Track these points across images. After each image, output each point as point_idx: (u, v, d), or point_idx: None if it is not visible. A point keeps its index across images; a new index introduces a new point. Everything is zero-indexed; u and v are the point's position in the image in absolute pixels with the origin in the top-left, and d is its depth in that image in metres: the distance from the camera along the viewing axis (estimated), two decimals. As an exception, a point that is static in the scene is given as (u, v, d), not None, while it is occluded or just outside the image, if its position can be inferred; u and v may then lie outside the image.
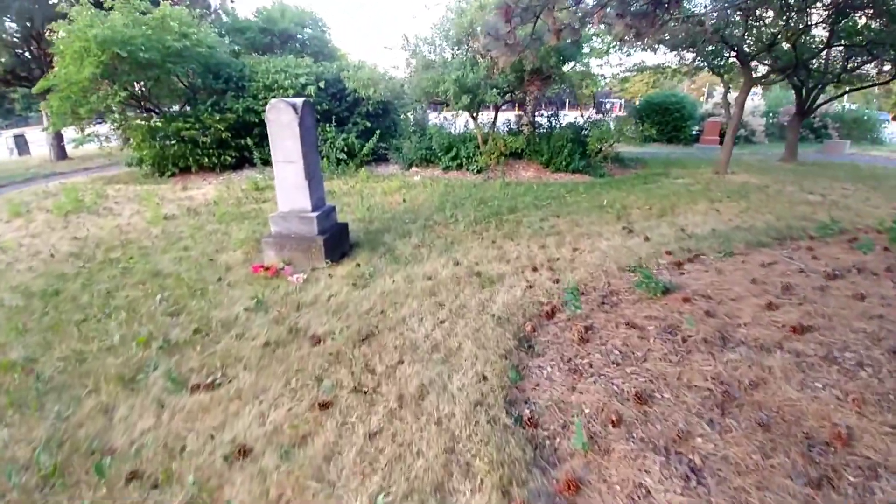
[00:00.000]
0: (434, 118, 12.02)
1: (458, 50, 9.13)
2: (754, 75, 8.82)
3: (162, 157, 9.24)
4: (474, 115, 9.47)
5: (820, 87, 10.44)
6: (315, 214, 4.29)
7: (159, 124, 9.18)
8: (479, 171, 9.01)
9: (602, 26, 5.67)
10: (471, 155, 9.29)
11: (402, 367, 2.56)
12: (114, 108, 8.78)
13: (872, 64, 8.60)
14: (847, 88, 10.40)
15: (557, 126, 10.26)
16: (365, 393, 2.30)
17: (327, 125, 9.58)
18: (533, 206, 6.36)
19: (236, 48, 13.63)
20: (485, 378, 2.45)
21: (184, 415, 2.24)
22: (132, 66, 8.40)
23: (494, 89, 8.34)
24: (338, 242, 4.53)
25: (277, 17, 15.09)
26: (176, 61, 8.73)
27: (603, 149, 9.26)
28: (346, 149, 9.58)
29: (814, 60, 8.92)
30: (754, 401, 2.11)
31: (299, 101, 4.14)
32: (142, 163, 9.58)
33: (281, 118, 4.12)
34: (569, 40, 5.15)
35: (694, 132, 17.36)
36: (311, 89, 9.20)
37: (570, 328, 2.96)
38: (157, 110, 10.03)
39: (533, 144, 9.48)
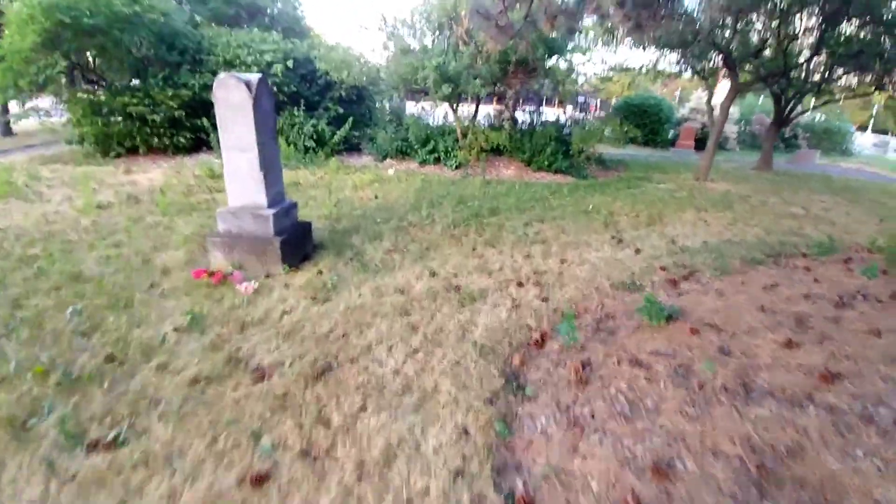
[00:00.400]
0: (412, 108, 11.40)
1: (439, 35, 8.55)
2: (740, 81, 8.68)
3: (105, 136, 8.27)
4: (454, 106, 8.95)
5: (798, 96, 10.48)
6: (272, 212, 3.69)
7: (103, 98, 8.19)
8: (457, 167, 8.52)
9: (594, 18, 5.24)
10: (449, 149, 8.78)
11: (365, 416, 2.06)
12: (54, 80, 7.82)
13: (852, 74, 8.62)
14: (826, 98, 10.46)
15: (539, 123, 9.87)
16: (315, 459, 1.79)
17: (295, 109, 8.83)
18: (516, 209, 5.93)
19: (198, 18, 12.54)
20: (467, 433, 1.99)
21: (74, 487, 1.68)
22: (76, 34, 7.46)
23: (477, 79, 7.84)
24: (298, 244, 3.95)
25: (245, -13, 13.99)
26: (123, 28, 7.78)
27: (586, 149, 8.94)
28: (315, 136, 8.87)
29: (795, 70, 8.85)
30: (794, 475, 1.74)
31: (254, 77, 3.52)
32: (83, 141, 8.58)
33: (231, 97, 3.48)
34: (564, 28, 4.69)
35: (670, 136, 17.44)
36: (277, 68, 8.42)
37: (565, 363, 2.54)
38: (102, 83, 8.99)
39: (514, 141, 9.05)
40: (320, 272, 3.69)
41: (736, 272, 4.07)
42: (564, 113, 10.65)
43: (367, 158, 9.30)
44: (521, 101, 12.12)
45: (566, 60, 9.86)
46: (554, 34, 7.41)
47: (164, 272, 3.63)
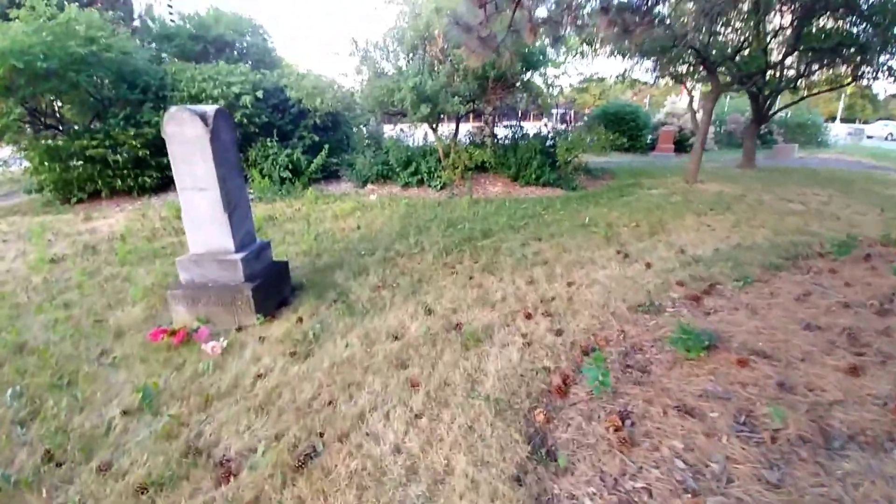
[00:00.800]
0: (389, 131, 11.10)
1: (413, 56, 8.31)
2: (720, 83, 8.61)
3: (65, 182, 7.72)
4: (434, 126, 8.66)
5: (775, 93, 10.51)
6: (240, 256, 3.24)
7: (61, 143, 7.68)
8: (442, 188, 8.17)
9: (575, 26, 4.99)
10: (432, 170, 8.44)
11: (362, 522, 1.60)
12: (10, 127, 7.34)
13: (827, 67, 8.62)
14: (804, 94, 10.51)
15: (521, 137, 9.64)
16: None
17: (268, 140, 8.42)
18: (509, 228, 5.57)
19: (163, 56, 12.18)
20: (495, 534, 1.54)
21: None
22: (31, 79, 7.01)
23: (456, 97, 7.57)
24: (273, 289, 3.49)
25: (211, 23, 13.65)
26: (80, 69, 7.34)
27: (572, 160, 8.71)
28: (290, 166, 8.45)
29: (774, 68, 8.83)
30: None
31: (210, 109, 3.12)
32: (42, 189, 8.02)
33: (185, 132, 3.06)
34: (548, 37, 4.42)
35: (649, 141, 17.51)
36: (246, 99, 8.04)
37: (599, 415, 2.12)
38: (59, 127, 8.48)
39: (498, 157, 8.78)
40: (300, 320, 3.22)
41: (759, 281, 3.73)
42: (546, 126, 10.46)
43: (346, 185, 8.90)
44: (498, 117, 11.98)
45: (541, 74, 9.74)
46: (532, 47, 7.22)
47: (117, 335, 3.13)
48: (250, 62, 13.49)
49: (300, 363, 2.65)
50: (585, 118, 18.51)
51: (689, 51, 7.66)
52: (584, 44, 8.36)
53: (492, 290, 3.73)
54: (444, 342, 2.86)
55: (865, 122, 27.82)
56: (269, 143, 8.38)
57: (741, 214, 6.10)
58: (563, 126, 10.64)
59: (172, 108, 3.07)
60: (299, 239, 5.18)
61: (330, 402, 2.26)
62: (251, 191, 7.74)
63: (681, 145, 16.67)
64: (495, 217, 6.13)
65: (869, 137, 23.47)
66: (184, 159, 3.13)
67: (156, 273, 4.28)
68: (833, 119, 26.50)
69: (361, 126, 10.29)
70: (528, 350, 2.77)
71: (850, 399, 2.00)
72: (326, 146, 8.79)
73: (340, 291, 3.72)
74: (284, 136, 8.80)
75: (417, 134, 10.22)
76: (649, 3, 4.37)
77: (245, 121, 8.18)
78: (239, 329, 3.11)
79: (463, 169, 8.24)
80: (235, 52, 14.51)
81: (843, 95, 25.62)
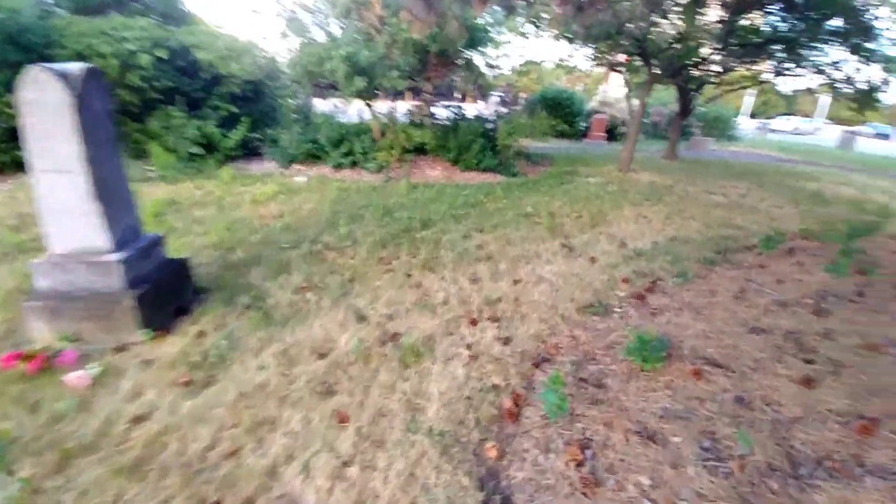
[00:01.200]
0: (324, 106, 10.19)
1: (346, 21, 7.55)
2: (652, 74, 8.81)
3: None
4: (369, 102, 8.01)
5: (700, 87, 11.04)
6: (118, 256, 2.58)
7: None
8: (378, 170, 7.62)
9: (526, 2, 4.66)
10: (367, 150, 7.84)
11: None
12: None
13: (752, 63, 9.11)
14: (726, 89, 11.14)
15: (461, 118, 9.27)
16: None
17: (172, 108, 7.28)
18: (451, 217, 5.23)
19: (59, 10, 10.15)
20: None
21: None
22: None
23: (395, 71, 6.99)
24: (167, 295, 2.86)
25: (104, -33, 11.60)
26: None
27: (514, 145, 8.53)
28: (203, 140, 7.40)
29: (704, 62, 9.19)
30: None
31: (77, 67, 2.40)
32: None
33: (45, 99, 2.32)
34: (500, 6, 4.05)
35: (582, 127, 17.97)
36: (144, 59, 6.83)
37: (556, 444, 1.87)
38: None
39: (438, 139, 8.36)
40: (201, 334, 2.66)
41: (697, 276, 3.75)
42: (486, 108, 10.18)
43: (270, 165, 8.01)
44: (438, 99, 11.51)
45: (483, 54, 9.38)
46: (477, 22, 6.81)
47: (-56, 363, 2.37)
48: (155, 18, 11.69)
49: (196, 396, 2.13)
50: (524, 102, 18.56)
51: (631, 40, 7.69)
52: (530, 22, 8.09)
53: (432, 290, 3.38)
54: (380, 359, 2.47)
55: (769, 118, 30.88)
56: (174, 113, 7.25)
57: (672, 206, 6.27)
58: (504, 110, 10.40)
59: (30, 69, 2.31)
60: (209, 228, 4.45)
61: (232, 453, 1.79)
62: (151, 168, 6.67)
63: (612, 133, 17.30)
64: (435, 204, 5.76)
65: (772, 131, 26.06)
66: (43, 132, 2.38)
67: (17, 275, 3.41)
68: (737, 114, 29.06)
69: (288, 99, 9.32)
70: (474, 365, 2.47)
71: (809, 416, 1.92)
72: (247, 119, 7.82)
73: (256, 295, 3.17)
74: (194, 104, 7.66)
75: (351, 110, 9.47)
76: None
77: (144, 84, 6.99)
78: (119, 349, 2.49)
79: (401, 150, 7.73)
80: (139, 5, 12.51)
81: (756, 92, 28.11)
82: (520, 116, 9.54)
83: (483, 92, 14.09)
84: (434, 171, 7.98)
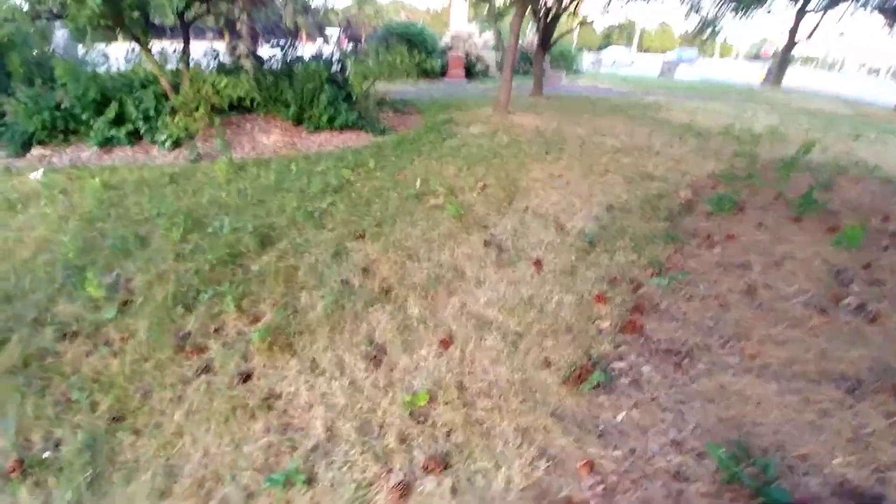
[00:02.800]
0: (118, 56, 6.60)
1: None
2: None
3: None
4: (141, 40, 5.16)
5: (555, 19, 10.28)
6: None
7: None
8: (176, 145, 5.06)
9: None
10: (153, 115, 5.15)
11: None
12: None
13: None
14: (580, 21, 10.56)
15: (296, 60, 6.88)
16: None
17: None
18: (306, 218, 3.33)
19: None
20: None
21: None
22: None
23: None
24: None
25: None
26: None
27: (370, 90, 6.61)
28: None
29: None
30: None
31: None
32: None
33: None
34: None
35: (439, 66, 16.43)
36: None
37: None
38: None
39: (267, 89, 5.98)
40: None
41: (674, 268, 2.71)
42: (327, 49, 7.89)
43: (-17, 152, 4.78)
44: (261, 36, 8.70)
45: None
46: None
47: None
48: None
49: None
50: (370, 38, 16.14)
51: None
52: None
53: (292, 410, 1.66)
54: None
55: (597, 51, 33.10)
56: None
57: (578, 159, 5.27)
58: (351, 45, 8.21)
59: None
60: None
61: None
62: None
63: (470, 71, 16.16)
64: (278, 197, 3.75)
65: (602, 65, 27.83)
66: None
67: None
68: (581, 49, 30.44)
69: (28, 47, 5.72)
70: None
71: None
72: None
73: None
74: None
75: (119, 55, 6.30)
76: None
77: None
78: None
79: (208, 110, 5.22)
80: None
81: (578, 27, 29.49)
82: (375, 53, 7.51)
83: (320, 27, 11.38)
84: (269, 138, 5.69)
